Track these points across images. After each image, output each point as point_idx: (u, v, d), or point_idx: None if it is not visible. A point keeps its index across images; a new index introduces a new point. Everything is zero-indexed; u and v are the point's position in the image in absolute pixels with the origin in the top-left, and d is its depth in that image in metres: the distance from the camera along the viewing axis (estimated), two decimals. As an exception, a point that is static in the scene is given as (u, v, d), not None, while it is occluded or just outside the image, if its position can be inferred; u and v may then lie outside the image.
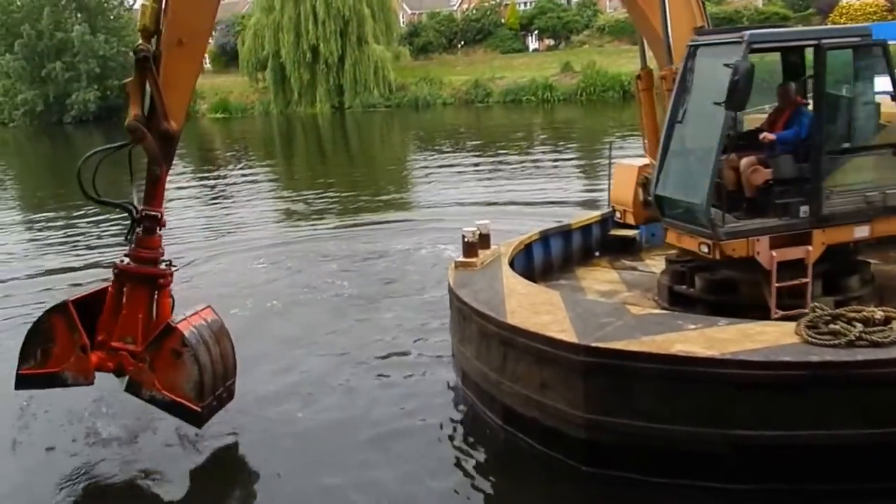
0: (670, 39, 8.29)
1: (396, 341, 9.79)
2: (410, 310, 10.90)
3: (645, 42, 9.25)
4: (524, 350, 6.67)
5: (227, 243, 16.20)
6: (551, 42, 66.32)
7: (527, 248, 9.73)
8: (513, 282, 7.92)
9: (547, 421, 6.62)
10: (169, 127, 6.62)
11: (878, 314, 6.07)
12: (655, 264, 9.99)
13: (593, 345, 6.21)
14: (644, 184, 8.75)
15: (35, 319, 6.95)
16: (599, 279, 9.80)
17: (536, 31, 66.70)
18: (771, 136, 7.59)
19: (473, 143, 33.45)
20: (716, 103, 6.97)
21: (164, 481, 6.79)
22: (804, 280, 7.33)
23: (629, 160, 10.19)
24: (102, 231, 17.76)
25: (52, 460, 7.25)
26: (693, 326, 6.50)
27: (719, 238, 7.22)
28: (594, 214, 11.04)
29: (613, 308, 7.30)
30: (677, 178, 7.82)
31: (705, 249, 7.36)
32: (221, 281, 12.94)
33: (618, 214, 9.62)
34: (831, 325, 6.05)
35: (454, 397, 8.07)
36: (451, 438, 7.27)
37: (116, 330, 6.80)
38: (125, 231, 6.83)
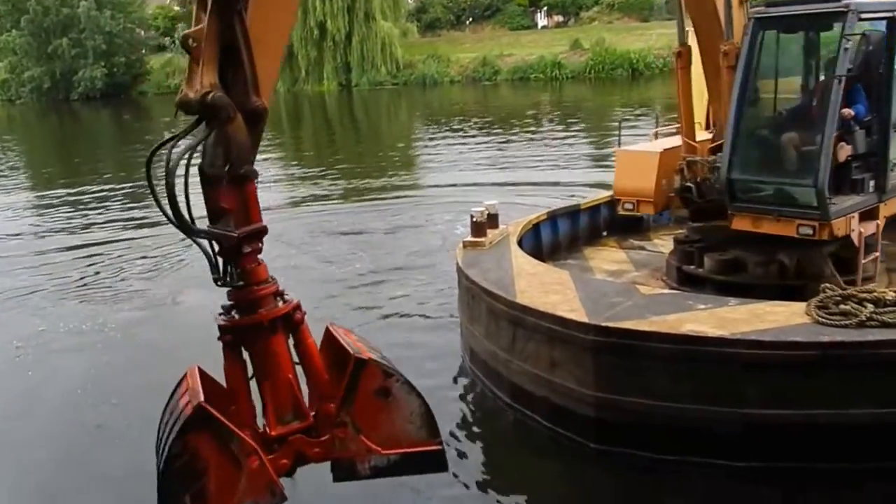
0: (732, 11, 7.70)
1: (403, 320, 9.84)
2: (418, 288, 10.93)
3: (684, 16, 8.59)
4: (534, 329, 6.69)
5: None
6: (560, 18, 65.82)
7: (535, 228, 9.73)
8: (522, 261, 7.92)
9: (556, 399, 6.64)
10: (260, 103, 4.17)
11: (890, 295, 6.07)
12: (663, 244, 9.99)
13: (604, 324, 6.23)
14: (682, 169, 8.47)
15: (162, 459, 4.06)
16: (607, 259, 9.80)
17: (545, 8, 66.17)
18: (851, 112, 7.46)
19: (481, 121, 33.33)
20: (834, 76, 6.86)
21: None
22: (875, 254, 7.59)
23: (637, 146, 10.16)
24: (108, 207, 17.77)
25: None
26: (703, 306, 6.51)
27: (829, 218, 7.15)
28: (603, 195, 11.01)
29: (623, 288, 7.31)
30: (762, 160, 7.74)
31: (808, 231, 7.25)
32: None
33: (627, 205, 9.27)
34: (842, 306, 6.05)
35: (462, 376, 8.10)
36: (459, 416, 7.30)
37: (268, 411, 4.42)
38: (212, 270, 4.17)
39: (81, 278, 12.54)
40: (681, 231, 8.95)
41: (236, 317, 4.20)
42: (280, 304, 4.31)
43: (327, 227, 14.92)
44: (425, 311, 10.08)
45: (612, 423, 6.28)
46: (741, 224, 7.74)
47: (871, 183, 7.48)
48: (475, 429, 7.11)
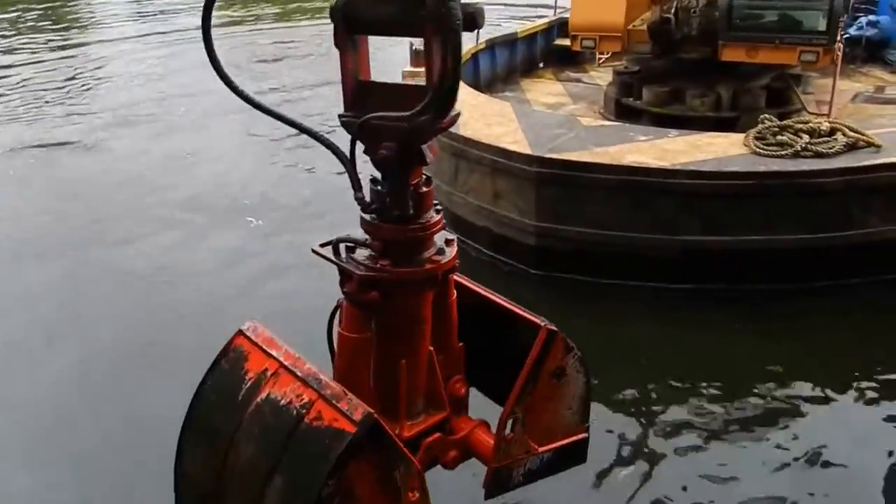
0: None
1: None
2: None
3: None
4: (477, 162, 6.68)
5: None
6: None
7: (473, 58, 9.53)
8: (463, 93, 7.79)
9: (498, 229, 6.75)
10: None
11: (825, 125, 6.24)
12: (600, 76, 9.97)
13: (547, 156, 6.26)
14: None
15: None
16: (544, 91, 9.75)
17: None
18: None
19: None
20: None
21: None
22: None
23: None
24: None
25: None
26: (644, 138, 6.60)
27: (833, 43, 7.22)
28: (539, 23, 10.80)
29: (565, 119, 7.32)
30: None
31: (811, 58, 7.32)
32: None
33: (586, 42, 8.41)
34: (779, 137, 6.21)
35: None
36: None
37: (399, 403, 2.92)
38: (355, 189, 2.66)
39: None
40: (619, 63, 8.91)
41: (384, 265, 2.60)
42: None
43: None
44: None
45: (554, 251, 6.44)
46: (733, 55, 7.72)
47: None
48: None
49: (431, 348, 2.87)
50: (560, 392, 3.06)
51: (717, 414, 4.95)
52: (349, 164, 2.61)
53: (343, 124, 2.46)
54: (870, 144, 6.11)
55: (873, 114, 8.11)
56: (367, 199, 2.57)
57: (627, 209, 6.14)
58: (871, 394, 5.14)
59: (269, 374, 2.53)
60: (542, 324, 2.90)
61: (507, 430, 2.90)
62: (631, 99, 8.34)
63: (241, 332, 2.68)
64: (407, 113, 2.29)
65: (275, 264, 7.07)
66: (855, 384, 5.22)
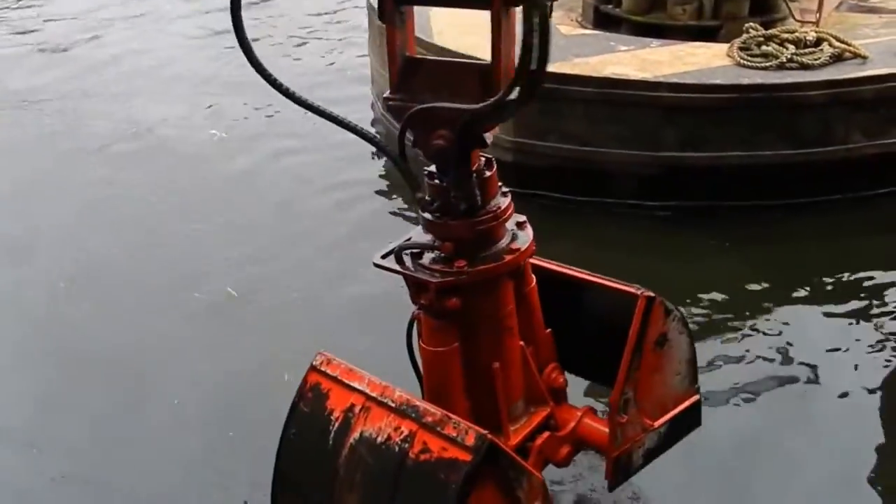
0: None
1: (308, 62, 9.36)
2: (325, 32, 10.37)
3: None
4: (452, 71, 6.43)
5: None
6: None
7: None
8: (436, 0, 7.47)
9: (474, 146, 6.55)
10: None
11: (811, 35, 6.05)
12: (578, -18, 9.57)
13: None
14: None
15: None
16: (520, -3, 9.37)
17: None
18: None
19: None
20: None
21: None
22: None
23: None
24: None
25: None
26: (625, 48, 6.38)
27: None
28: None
29: (543, 28, 7.04)
30: None
31: None
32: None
33: None
34: (763, 47, 6.01)
35: (374, 126, 7.79)
36: (371, 166, 7.15)
37: (499, 410, 2.66)
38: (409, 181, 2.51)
39: None
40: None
41: (460, 266, 2.34)
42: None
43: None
44: (330, 56, 9.58)
45: (532, 168, 6.28)
46: None
47: None
48: (393, 176, 7.02)
49: (521, 342, 2.65)
50: (666, 359, 2.83)
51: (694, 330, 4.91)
52: (402, 160, 2.30)
53: (390, 109, 2.16)
54: (856, 55, 5.95)
55: (858, 23, 7.88)
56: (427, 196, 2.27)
57: (607, 123, 5.97)
58: (846, 307, 5.12)
59: (356, 410, 2.27)
60: (638, 292, 2.64)
61: (620, 414, 2.69)
62: (610, 6, 8.04)
63: (314, 369, 2.41)
64: (480, 104, 1.98)
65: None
66: (832, 299, 5.22)
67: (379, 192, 6.65)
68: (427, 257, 2.38)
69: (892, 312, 4.99)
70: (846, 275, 5.44)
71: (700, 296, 5.22)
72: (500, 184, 2.43)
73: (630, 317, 2.60)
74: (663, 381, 2.88)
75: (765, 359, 4.64)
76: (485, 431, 2.13)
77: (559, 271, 2.85)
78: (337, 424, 2.28)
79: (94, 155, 7.24)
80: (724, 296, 5.23)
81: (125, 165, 7.04)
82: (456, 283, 2.31)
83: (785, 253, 5.71)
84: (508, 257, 2.38)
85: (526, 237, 2.47)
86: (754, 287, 5.31)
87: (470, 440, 2.09)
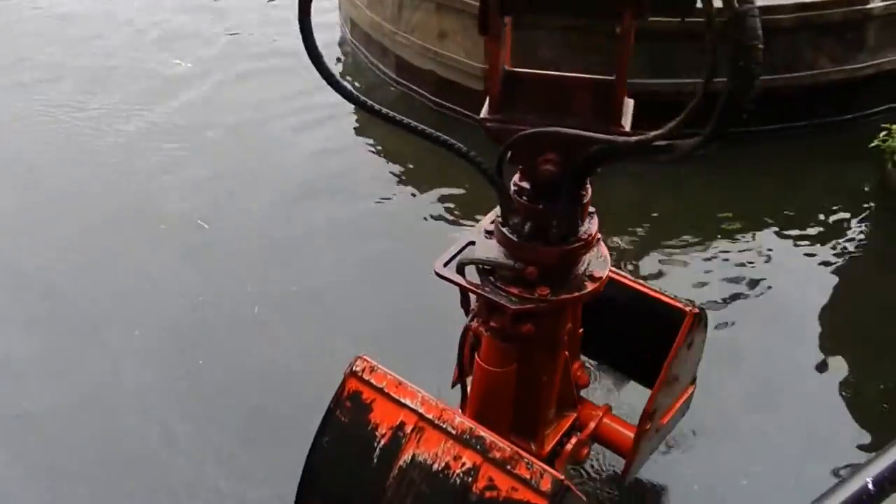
0: None
1: None
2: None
3: None
4: (422, -1, 6.40)
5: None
6: None
7: None
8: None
9: (443, 73, 6.48)
10: None
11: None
12: None
13: None
14: None
15: None
16: None
17: None
18: None
19: None
20: None
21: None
22: None
23: None
24: None
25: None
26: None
27: None
28: None
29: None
30: None
31: None
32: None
33: None
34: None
35: (342, 48, 7.83)
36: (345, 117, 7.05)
37: (539, 422, 2.62)
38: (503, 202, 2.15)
39: None
40: None
41: (542, 294, 2.12)
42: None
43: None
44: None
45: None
46: None
47: None
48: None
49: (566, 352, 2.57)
50: (686, 361, 2.83)
51: (648, 251, 4.90)
52: (499, 184, 2.01)
53: (489, 132, 1.89)
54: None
55: None
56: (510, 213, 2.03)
57: (576, 49, 5.92)
58: (804, 232, 5.23)
59: (408, 430, 2.11)
60: (687, 308, 2.68)
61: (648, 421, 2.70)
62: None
63: (353, 375, 2.21)
64: (635, 136, 1.70)
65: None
66: (792, 223, 5.31)
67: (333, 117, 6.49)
68: (499, 274, 2.15)
69: (850, 237, 5.16)
70: (808, 200, 5.51)
71: (657, 217, 5.20)
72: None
73: (667, 324, 2.63)
74: (678, 381, 2.89)
75: (726, 279, 4.68)
76: (561, 477, 1.98)
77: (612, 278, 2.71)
78: (383, 442, 2.12)
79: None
80: (686, 219, 5.20)
81: (93, 90, 6.93)
82: (535, 311, 2.13)
83: (749, 178, 5.69)
84: (590, 286, 2.15)
85: (604, 260, 2.22)
86: (715, 212, 5.24)
87: (546, 485, 1.94)
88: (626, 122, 1.76)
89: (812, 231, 5.12)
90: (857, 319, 4.55)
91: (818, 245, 5.00)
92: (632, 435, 2.78)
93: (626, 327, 2.85)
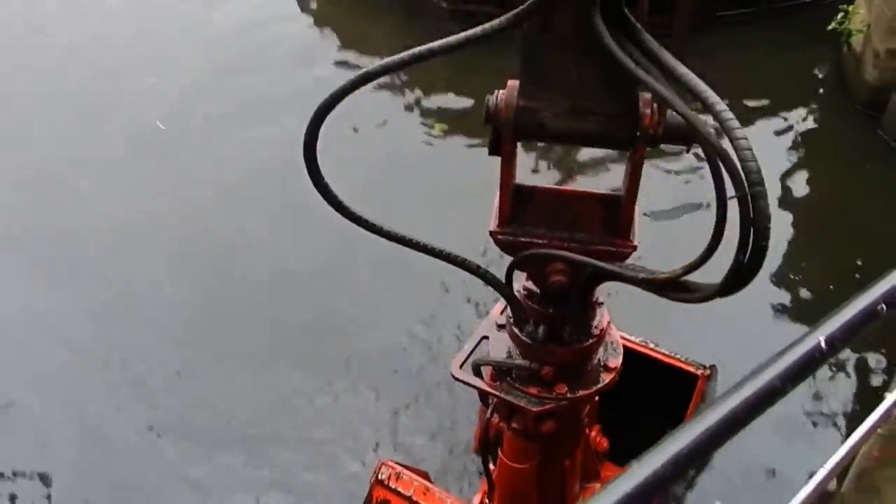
0: None
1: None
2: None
3: None
4: None
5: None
6: None
7: None
8: None
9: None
10: None
11: None
12: None
13: None
14: None
15: None
16: None
17: None
18: None
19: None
20: None
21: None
22: None
23: None
24: None
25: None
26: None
27: None
28: None
29: None
30: None
31: None
32: None
33: None
34: None
35: None
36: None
37: (566, 496, 2.57)
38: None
39: None
40: None
41: (560, 393, 2.11)
42: None
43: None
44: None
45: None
46: None
47: None
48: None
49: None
50: None
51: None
52: (509, 295, 2.01)
53: (499, 244, 1.87)
54: None
55: None
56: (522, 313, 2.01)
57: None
58: (763, 112, 5.32)
59: None
60: (699, 372, 2.79)
61: None
62: None
63: (379, 483, 2.41)
64: (643, 274, 1.65)
65: None
66: (748, 96, 5.39)
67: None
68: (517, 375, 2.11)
69: (805, 116, 5.30)
70: (764, 86, 5.53)
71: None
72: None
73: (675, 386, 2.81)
74: None
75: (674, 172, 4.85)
76: None
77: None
78: None
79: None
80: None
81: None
82: (555, 409, 2.08)
83: (702, 67, 5.52)
84: (606, 377, 2.11)
85: (617, 348, 2.17)
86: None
87: None
88: (635, 237, 1.78)
89: (768, 116, 5.26)
90: (811, 200, 4.70)
91: (773, 129, 5.15)
92: None
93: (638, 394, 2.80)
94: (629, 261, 1.78)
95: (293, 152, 1.58)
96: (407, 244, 1.80)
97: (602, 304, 2.06)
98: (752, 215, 1.28)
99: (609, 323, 2.08)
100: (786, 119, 5.25)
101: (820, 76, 5.68)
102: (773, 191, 4.52)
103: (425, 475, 2.93)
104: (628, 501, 1.02)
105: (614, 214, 1.78)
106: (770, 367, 1.21)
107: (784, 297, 4.08)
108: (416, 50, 1.42)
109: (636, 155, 1.67)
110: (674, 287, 1.57)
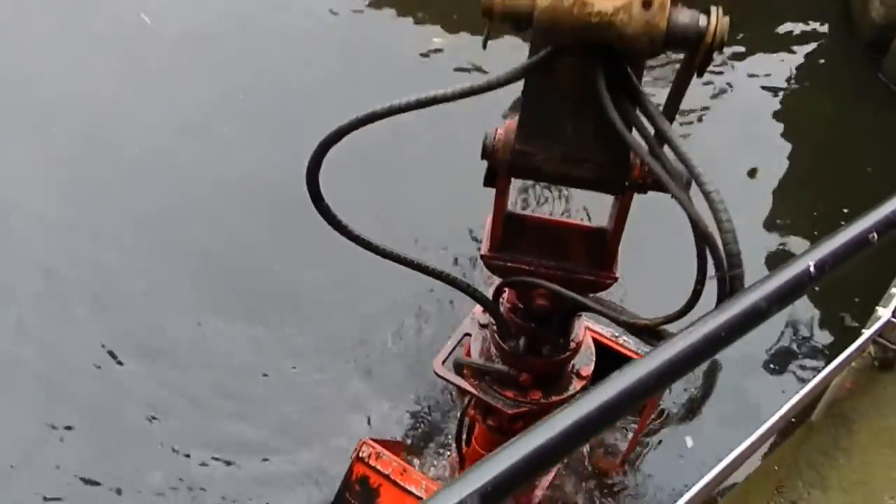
0: None
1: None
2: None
3: None
4: None
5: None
6: None
7: None
8: None
9: None
10: None
11: None
12: None
13: None
14: None
15: None
16: None
17: None
18: None
19: None
20: None
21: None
22: None
23: None
24: None
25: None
26: None
27: None
28: None
29: None
30: None
31: None
32: None
33: None
34: None
35: None
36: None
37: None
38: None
39: None
40: None
41: (534, 398, 2.27)
42: None
43: None
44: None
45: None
46: None
47: None
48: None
49: None
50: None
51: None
52: (495, 312, 2.11)
53: (490, 268, 1.98)
54: None
55: None
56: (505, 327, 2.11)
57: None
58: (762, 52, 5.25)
59: None
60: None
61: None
62: None
63: (360, 460, 2.41)
64: (624, 317, 1.76)
65: None
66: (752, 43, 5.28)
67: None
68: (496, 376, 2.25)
69: (808, 52, 5.25)
70: (766, 14, 5.43)
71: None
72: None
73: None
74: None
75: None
76: None
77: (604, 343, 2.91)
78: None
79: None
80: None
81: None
82: (529, 412, 2.23)
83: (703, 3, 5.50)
84: (578, 384, 2.27)
85: (590, 355, 2.30)
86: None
87: None
88: (617, 270, 1.89)
89: (768, 47, 5.23)
90: (807, 130, 4.76)
91: (771, 60, 5.15)
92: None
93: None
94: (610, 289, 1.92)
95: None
96: (406, 264, 1.88)
97: (580, 315, 2.17)
98: (728, 295, 1.33)
99: (585, 329, 2.22)
100: (788, 52, 5.22)
101: (825, 13, 5.57)
102: (766, 115, 4.81)
103: (400, 444, 3.17)
104: (605, 410, 1.04)
105: (599, 247, 1.88)
106: (757, 288, 1.21)
107: (773, 215, 4.16)
108: (423, 96, 1.49)
109: (625, 199, 1.76)
110: (650, 334, 1.68)
